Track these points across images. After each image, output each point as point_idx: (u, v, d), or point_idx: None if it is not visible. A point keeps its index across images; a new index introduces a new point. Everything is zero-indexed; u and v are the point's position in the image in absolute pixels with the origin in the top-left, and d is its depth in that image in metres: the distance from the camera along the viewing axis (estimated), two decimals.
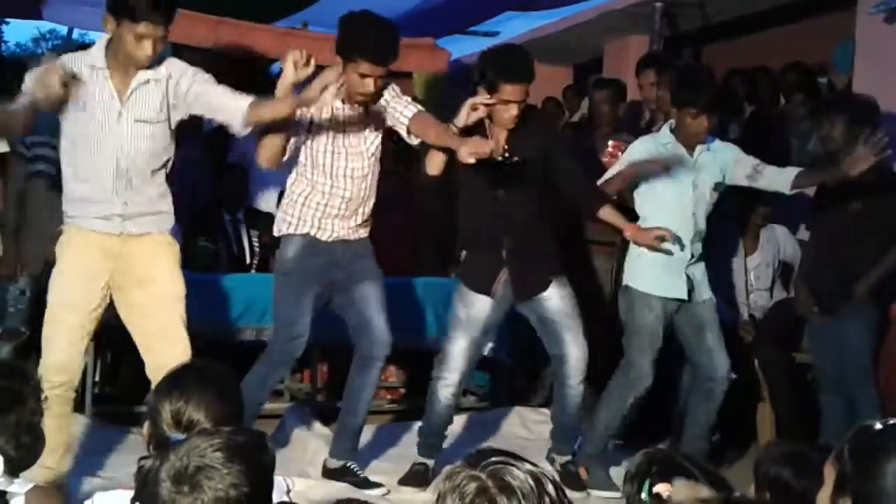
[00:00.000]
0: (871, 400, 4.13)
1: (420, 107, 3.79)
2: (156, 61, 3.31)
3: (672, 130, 4.09)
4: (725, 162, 4.09)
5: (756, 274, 4.94)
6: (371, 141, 3.77)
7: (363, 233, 3.87)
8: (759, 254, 4.96)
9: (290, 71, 3.40)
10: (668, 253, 3.95)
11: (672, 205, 4.03)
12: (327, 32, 5.46)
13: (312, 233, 3.76)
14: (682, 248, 4.01)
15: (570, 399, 3.94)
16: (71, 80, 3.16)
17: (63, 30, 7.75)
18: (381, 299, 3.83)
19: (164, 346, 3.32)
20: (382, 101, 3.74)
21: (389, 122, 3.76)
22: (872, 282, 4.14)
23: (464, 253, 4.12)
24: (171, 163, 3.45)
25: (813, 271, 4.35)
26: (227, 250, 5.20)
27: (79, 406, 4.50)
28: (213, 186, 5.41)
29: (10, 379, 1.96)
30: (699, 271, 4.11)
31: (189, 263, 4.99)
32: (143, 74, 3.29)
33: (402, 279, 4.93)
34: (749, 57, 6.88)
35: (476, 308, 3.90)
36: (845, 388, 4.19)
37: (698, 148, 4.05)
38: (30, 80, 3.19)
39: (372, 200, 3.84)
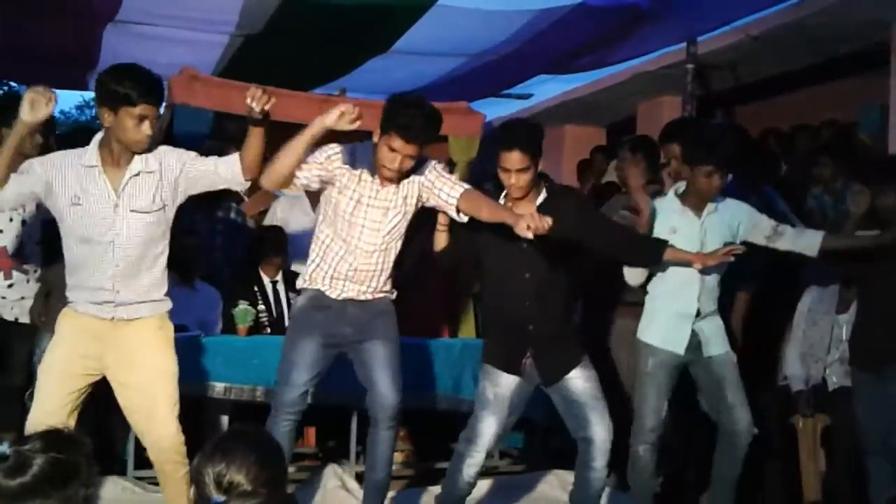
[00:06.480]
0: None
1: (466, 185, 3.78)
2: (147, 152, 3.41)
3: (678, 195, 4.14)
4: (739, 223, 4.12)
5: (847, 330, 4.60)
6: (390, 220, 3.74)
7: (380, 295, 3.83)
8: (852, 312, 4.61)
9: (334, 114, 3.51)
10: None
11: (678, 265, 4.05)
12: (365, 98, 5.57)
13: (323, 289, 3.79)
14: (688, 304, 4.08)
15: (593, 483, 3.84)
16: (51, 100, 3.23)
17: None
18: (391, 359, 3.77)
19: (152, 426, 3.44)
20: (425, 181, 3.75)
21: (433, 203, 3.76)
22: None
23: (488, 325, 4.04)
24: (166, 252, 3.51)
25: (861, 329, 4.31)
26: (267, 313, 5.26)
27: (120, 469, 4.57)
28: (252, 250, 5.49)
29: (66, 450, 1.87)
30: (710, 326, 4.15)
31: (230, 326, 5.09)
32: (135, 166, 3.39)
33: (441, 341, 4.93)
34: (781, 116, 6.92)
35: (502, 387, 3.82)
36: (890, 451, 4.12)
37: (707, 209, 4.09)
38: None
39: (385, 275, 3.80)
